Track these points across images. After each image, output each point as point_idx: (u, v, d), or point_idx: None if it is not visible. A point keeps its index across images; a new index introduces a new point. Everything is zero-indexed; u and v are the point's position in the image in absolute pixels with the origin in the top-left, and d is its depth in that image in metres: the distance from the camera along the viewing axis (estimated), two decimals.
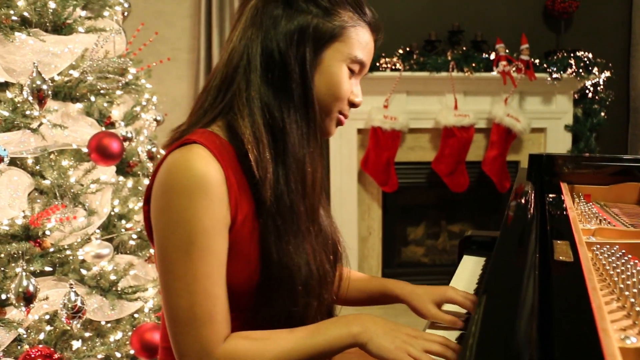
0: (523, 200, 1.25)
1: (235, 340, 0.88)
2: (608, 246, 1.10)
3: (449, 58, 3.22)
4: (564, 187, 1.58)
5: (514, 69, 3.23)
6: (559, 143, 3.48)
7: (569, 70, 3.28)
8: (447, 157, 3.34)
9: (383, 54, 3.26)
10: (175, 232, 0.84)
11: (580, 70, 3.27)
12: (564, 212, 1.16)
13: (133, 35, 2.12)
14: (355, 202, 3.53)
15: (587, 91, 3.51)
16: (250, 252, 0.90)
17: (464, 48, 3.32)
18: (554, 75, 3.27)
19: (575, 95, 3.51)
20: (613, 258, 1.03)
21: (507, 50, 3.27)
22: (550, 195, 1.33)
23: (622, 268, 0.96)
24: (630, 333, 0.69)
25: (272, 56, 0.91)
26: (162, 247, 0.86)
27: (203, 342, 0.86)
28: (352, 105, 0.99)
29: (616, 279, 0.90)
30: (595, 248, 1.09)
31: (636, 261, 1.04)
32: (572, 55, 3.30)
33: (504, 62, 3.22)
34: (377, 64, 3.22)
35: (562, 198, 1.31)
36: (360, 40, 0.95)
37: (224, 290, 0.88)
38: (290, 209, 0.90)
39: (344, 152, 3.48)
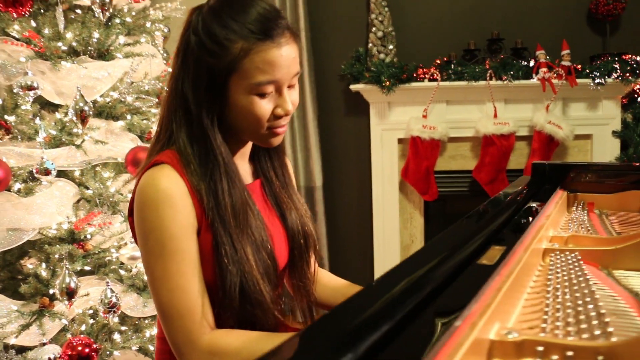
0: (492, 207, 1.30)
1: (222, 335, 0.99)
2: (568, 252, 1.15)
3: (487, 67, 3.24)
4: (561, 195, 1.61)
5: (554, 75, 3.20)
6: (607, 149, 3.40)
7: (614, 75, 3.21)
8: (487, 165, 3.35)
9: (421, 65, 3.33)
10: (150, 239, 0.98)
11: (627, 74, 3.19)
12: (531, 219, 1.21)
13: (170, 56, 2.33)
14: (397, 210, 3.60)
15: (636, 95, 3.41)
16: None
17: (502, 56, 3.32)
18: (597, 81, 3.21)
19: (624, 100, 3.42)
20: (562, 264, 1.08)
21: (547, 57, 3.25)
22: (533, 203, 1.38)
23: (563, 273, 1.02)
24: (527, 332, 0.76)
25: (182, 98, 1.02)
26: (142, 252, 1.01)
27: (185, 332, 0.98)
28: (281, 116, 1.03)
29: (548, 282, 0.97)
30: (553, 254, 1.15)
31: (583, 266, 1.08)
32: (616, 59, 3.23)
33: (544, 69, 3.20)
34: (415, 75, 3.29)
35: (543, 206, 1.36)
36: (259, 65, 0.96)
37: (199, 285, 1.00)
38: (222, 215, 1.01)
39: (385, 161, 3.57)
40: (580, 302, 0.86)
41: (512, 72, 3.22)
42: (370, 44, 3.41)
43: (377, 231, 3.63)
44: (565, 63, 3.23)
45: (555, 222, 1.41)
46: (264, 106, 1.00)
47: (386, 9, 3.36)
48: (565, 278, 0.98)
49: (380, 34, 3.37)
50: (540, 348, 0.70)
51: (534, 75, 3.24)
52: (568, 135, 3.28)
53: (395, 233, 3.61)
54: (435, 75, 3.27)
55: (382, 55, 3.38)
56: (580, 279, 1.00)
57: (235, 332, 1.01)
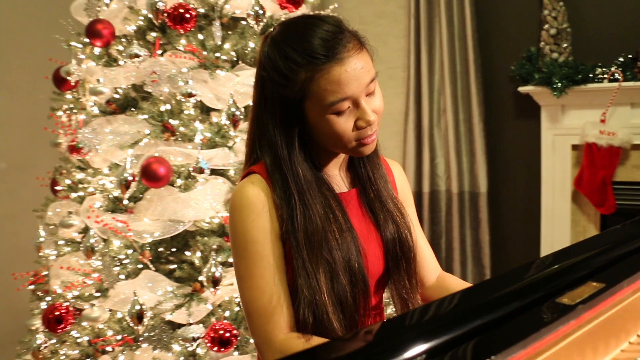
0: (627, 229, 1.14)
1: (294, 339, 1.02)
2: None
3: None
4: None
5: None
6: None
7: None
8: None
9: (599, 64, 3.00)
10: (235, 242, 1.08)
11: None
12: None
13: None
14: (568, 223, 3.30)
15: None
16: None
17: None
18: None
19: None
20: None
21: None
22: None
23: None
24: None
25: (264, 127, 1.07)
26: (231, 252, 1.11)
27: (262, 331, 1.03)
28: (364, 128, 1.03)
29: None
30: None
31: None
32: None
33: None
34: (591, 75, 2.98)
35: None
36: (326, 87, 0.99)
37: (277, 288, 1.04)
38: (297, 239, 1.04)
39: (556, 169, 3.30)
40: None
41: None
42: (542, 43, 3.17)
43: (545, 243, 3.37)
44: None
45: None
46: (344, 123, 1.02)
47: (561, 3, 3.09)
48: None
49: (553, 31, 3.11)
50: None
51: None
52: None
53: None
54: (617, 74, 2.92)
55: (555, 55, 3.12)
56: None
57: (309, 337, 1.02)
